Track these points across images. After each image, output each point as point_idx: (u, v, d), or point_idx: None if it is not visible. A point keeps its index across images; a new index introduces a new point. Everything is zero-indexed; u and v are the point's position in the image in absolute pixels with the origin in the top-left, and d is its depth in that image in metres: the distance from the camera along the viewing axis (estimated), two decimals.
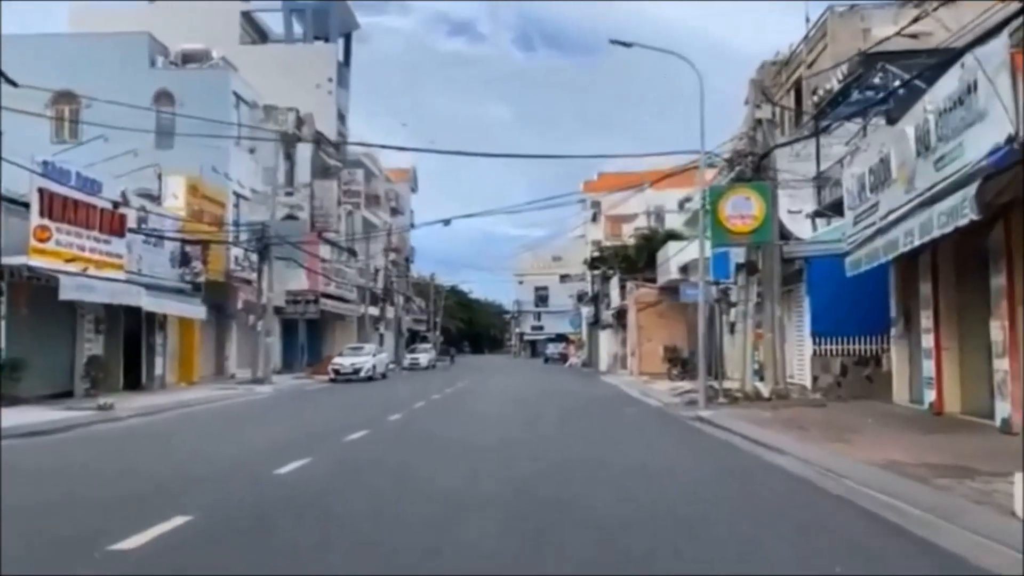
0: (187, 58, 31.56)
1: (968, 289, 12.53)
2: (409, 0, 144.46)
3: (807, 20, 24.73)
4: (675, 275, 29.49)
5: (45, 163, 17.38)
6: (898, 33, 15.40)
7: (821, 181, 20.10)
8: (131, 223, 21.00)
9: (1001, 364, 10.55)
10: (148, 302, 20.69)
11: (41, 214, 17.20)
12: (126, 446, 11.36)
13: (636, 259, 40.90)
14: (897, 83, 13.92)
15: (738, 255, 19.39)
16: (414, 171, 64.75)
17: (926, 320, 13.34)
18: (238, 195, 30.20)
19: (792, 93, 26.12)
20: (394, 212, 55.21)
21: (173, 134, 28.34)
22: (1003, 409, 10.55)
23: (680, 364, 28.02)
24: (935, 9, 14.97)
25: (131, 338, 22.86)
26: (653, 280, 35.24)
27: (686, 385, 21.70)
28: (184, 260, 24.31)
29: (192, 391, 22.44)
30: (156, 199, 24.06)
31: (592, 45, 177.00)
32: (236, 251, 28.39)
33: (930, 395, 13.23)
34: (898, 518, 6.06)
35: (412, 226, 53.90)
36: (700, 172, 17.03)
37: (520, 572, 4.74)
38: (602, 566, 4.87)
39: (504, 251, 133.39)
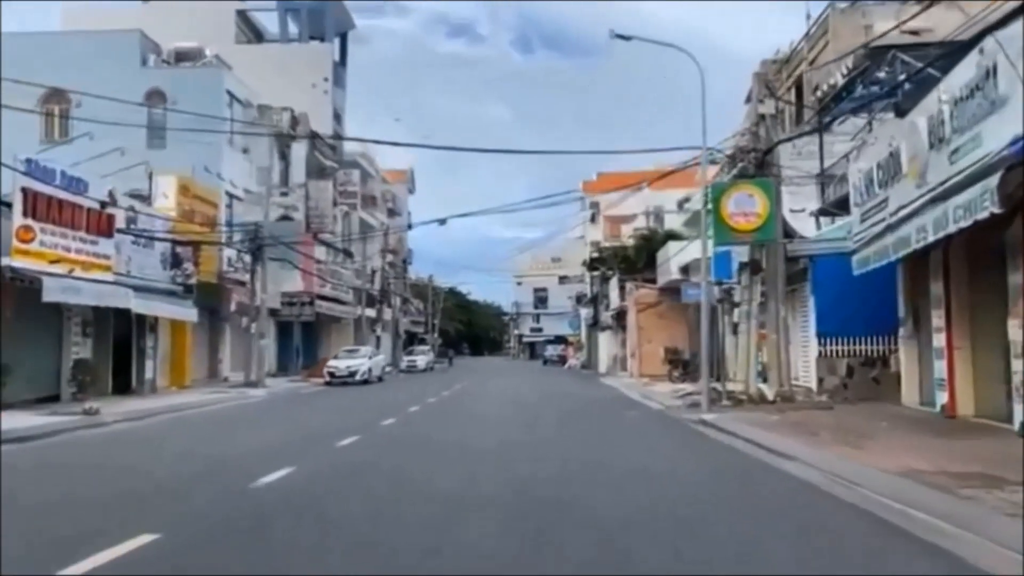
0: (180, 56, 31.11)
1: (982, 287, 12.08)
2: (408, 0, 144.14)
3: (808, 17, 24.37)
4: (675, 275, 29.05)
5: (28, 161, 16.90)
6: (899, 26, 15.08)
7: (825, 178, 19.69)
8: (120, 223, 20.50)
9: (1019, 365, 10.10)
10: (137, 304, 20.20)
11: (24, 214, 16.73)
12: (104, 453, 10.87)
13: (635, 260, 40.48)
14: (906, 75, 13.44)
15: (740, 254, 18.96)
16: (411, 172, 64.38)
17: (938, 319, 12.89)
18: (231, 195, 29.73)
19: (793, 91, 25.75)
20: (391, 213, 54.73)
21: (164, 131, 27.84)
22: (1021, 412, 10.10)
23: (681, 366, 27.58)
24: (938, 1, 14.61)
25: (121, 341, 22.39)
26: (653, 281, 34.81)
27: (687, 387, 21.27)
28: (175, 261, 23.82)
29: (183, 395, 21.95)
30: (146, 199, 23.58)
31: (591, 46, 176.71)
32: (229, 252, 27.93)
33: (942, 397, 12.77)
34: (923, 531, 5.60)
35: (409, 227, 53.46)
36: (702, 168, 16.58)
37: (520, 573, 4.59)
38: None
39: (503, 253, 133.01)
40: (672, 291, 30.57)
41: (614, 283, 42.41)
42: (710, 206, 16.08)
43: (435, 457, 9.87)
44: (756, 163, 16.57)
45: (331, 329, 42.09)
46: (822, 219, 20.82)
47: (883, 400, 15.81)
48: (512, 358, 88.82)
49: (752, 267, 17.25)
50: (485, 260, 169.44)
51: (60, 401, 18.30)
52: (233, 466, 8.90)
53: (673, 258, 29.62)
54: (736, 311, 18.15)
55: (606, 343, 47.43)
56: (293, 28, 46.39)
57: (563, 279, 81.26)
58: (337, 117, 45.13)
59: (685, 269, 27.30)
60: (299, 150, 36.94)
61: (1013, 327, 10.17)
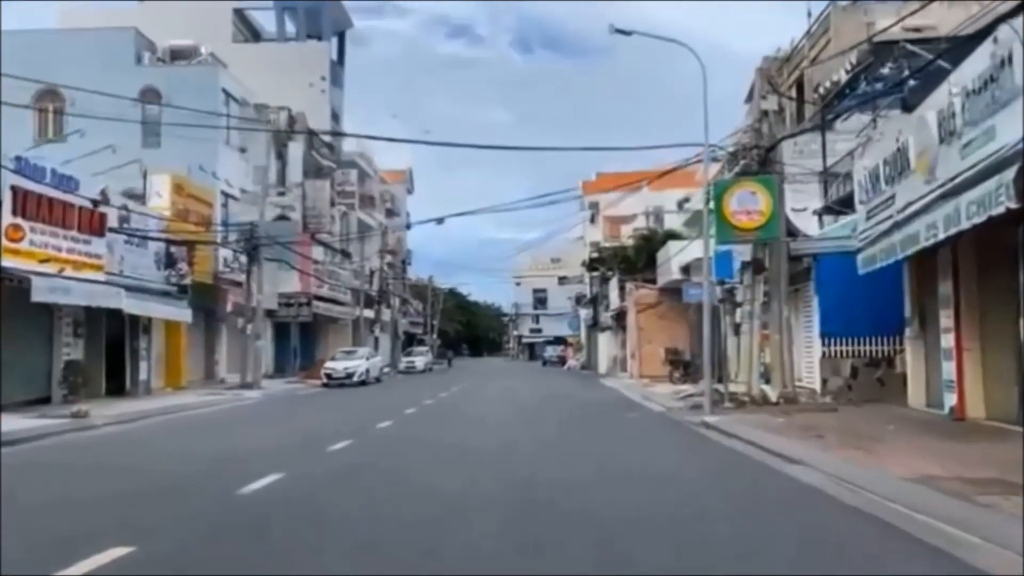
0: (175, 55, 30.80)
1: (992, 286, 11.78)
2: (407, 1, 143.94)
3: (809, 15, 24.08)
4: (676, 275, 28.74)
5: (18, 159, 16.60)
6: (900, 22, 14.81)
7: (828, 176, 19.39)
8: (112, 223, 20.21)
9: None
10: (129, 304, 19.87)
11: (14, 212, 16.42)
12: (87, 458, 10.52)
13: (635, 260, 40.18)
14: (912, 70, 13.13)
15: (742, 253, 18.66)
16: (410, 172, 64.07)
17: (946, 319, 12.58)
18: (227, 195, 29.42)
19: (794, 90, 25.46)
20: (390, 214, 54.41)
21: (159, 130, 27.55)
22: None
23: (682, 367, 27.25)
24: None
25: (114, 342, 22.08)
26: (653, 281, 34.51)
27: (689, 388, 20.95)
28: (169, 261, 23.51)
29: (177, 396, 21.64)
30: (140, 198, 23.28)
31: (591, 47, 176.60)
32: (225, 253, 27.61)
33: (951, 399, 12.46)
34: (943, 542, 5.29)
35: (408, 226, 53.15)
36: (704, 165, 16.27)
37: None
38: None
39: (502, 255, 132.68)
40: (673, 291, 30.27)
41: (614, 283, 42.10)
42: (712, 204, 15.76)
43: (431, 462, 9.57)
44: (759, 160, 16.25)
45: (329, 330, 41.77)
46: (825, 218, 20.57)
47: (888, 402, 15.52)
48: (511, 359, 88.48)
49: (755, 266, 16.94)
50: (485, 261, 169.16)
51: (51, 403, 17.99)
52: (218, 472, 8.59)
53: (674, 258, 29.31)
54: (738, 311, 17.84)
55: (606, 344, 47.12)
56: (291, 27, 46.09)
57: (562, 280, 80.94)
58: (335, 117, 44.81)
59: (686, 269, 26.99)
60: (296, 149, 36.65)
61: None
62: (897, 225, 11.99)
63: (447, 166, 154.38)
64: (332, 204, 39.66)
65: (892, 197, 12.34)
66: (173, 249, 23.54)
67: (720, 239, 16.13)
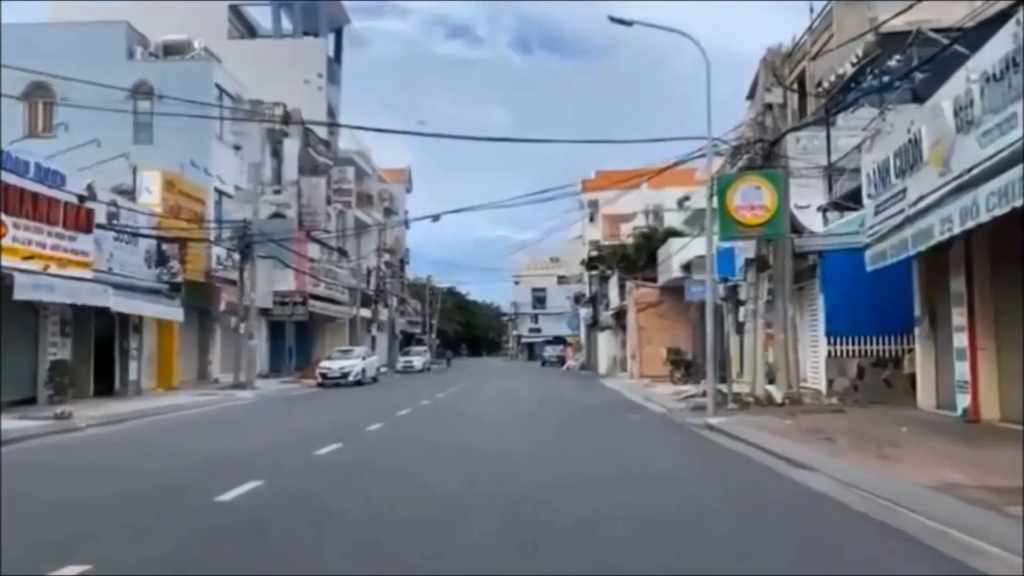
0: (168, 49, 30.31)
1: (1007, 284, 11.32)
2: (406, 1, 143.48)
3: (811, 11, 23.65)
4: (677, 273, 28.28)
5: (0, 152, 16.13)
6: (902, 12, 14.39)
7: (833, 171, 18.94)
8: (101, 219, 19.74)
9: None
10: (117, 302, 19.40)
11: None
12: (60, 462, 10.04)
13: (635, 258, 39.70)
14: (923, 58, 12.66)
15: (744, 250, 18.20)
16: (409, 171, 63.60)
17: (959, 318, 12.12)
18: (220, 192, 28.92)
19: (795, 86, 25.01)
20: (388, 213, 53.95)
21: (151, 125, 27.09)
22: None
23: (683, 367, 26.79)
24: None
25: (103, 341, 21.62)
26: (653, 279, 34.05)
27: (690, 389, 20.49)
28: (160, 259, 23.05)
29: (168, 397, 21.18)
30: (130, 194, 22.81)
31: (590, 47, 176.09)
32: (219, 250, 27.12)
33: (964, 400, 12.01)
34: (977, 559, 4.83)
35: (407, 225, 52.70)
36: (707, 159, 15.81)
37: None
38: None
39: (501, 254, 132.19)
40: (673, 290, 29.83)
41: (613, 282, 41.65)
42: (715, 199, 15.29)
43: (422, 468, 9.10)
44: (763, 154, 15.78)
45: (325, 329, 41.30)
46: (829, 215, 20.12)
47: (895, 403, 15.06)
48: (510, 359, 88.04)
49: (759, 264, 16.47)
50: (483, 261, 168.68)
51: (37, 404, 17.54)
52: (195, 479, 8.12)
53: (675, 256, 28.85)
54: (742, 310, 17.37)
55: (605, 344, 46.66)
56: (287, 24, 45.59)
57: (562, 279, 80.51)
58: (332, 114, 44.24)
59: (687, 267, 26.52)
60: (292, 146, 36.19)
61: None
62: (909, 219, 11.54)
63: (447, 168, 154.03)
64: (328, 202, 39.21)
65: (903, 191, 11.90)
66: (164, 247, 23.09)
67: (723, 235, 15.66)
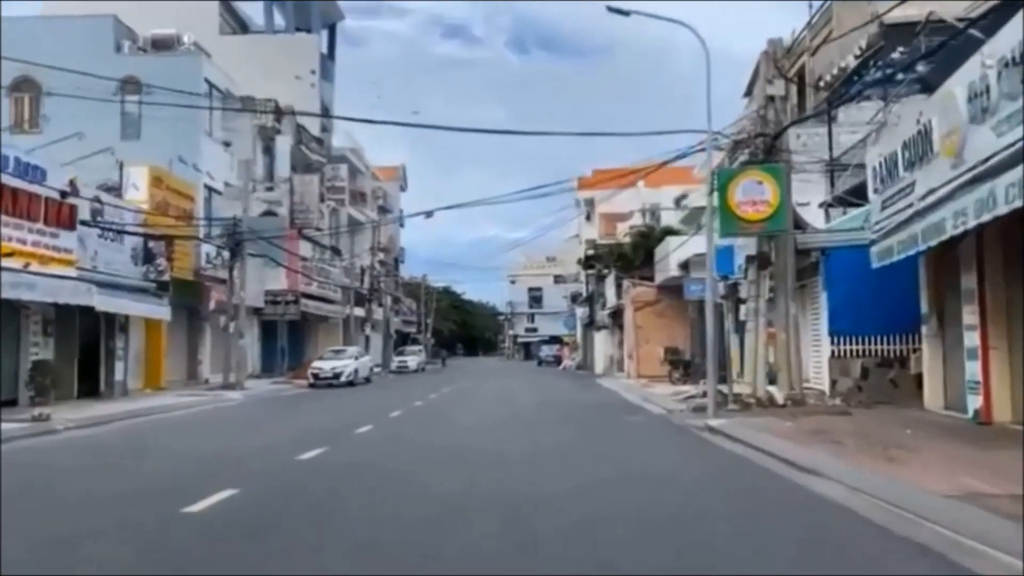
0: (156, 44, 29.75)
1: (1020, 280, 10.90)
2: (403, 1, 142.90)
3: (810, 6, 23.26)
4: (675, 272, 27.83)
5: None
6: (902, 3, 13.97)
7: (835, 166, 18.52)
8: (85, 215, 19.22)
9: None
10: (101, 301, 18.88)
11: None
12: (29, 467, 9.52)
13: (632, 257, 39.23)
14: (932, 46, 12.20)
15: (744, 248, 17.76)
16: (403, 169, 63.06)
17: (970, 316, 11.67)
18: (210, 188, 28.40)
19: (795, 81, 24.58)
20: (382, 211, 53.41)
21: (139, 121, 26.58)
22: None
23: (682, 367, 26.35)
24: None
25: (89, 341, 21.12)
26: (650, 278, 33.60)
27: (689, 389, 20.04)
28: (147, 257, 22.53)
29: (155, 398, 20.68)
30: (116, 191, 22.29)
31: (587, 47, 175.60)
32: (208, 248, 26.61)
33: (975, 401, 11.57)
34: None
35: (401, 224, 52.16)
36: (707, 153, 15.36)
37: None
38: None
39: (498, 254, 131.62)
40: (671, 289, 29.40)
41: (610, 281, 41.20)
42: (716, 194, 14.83)
43: (414, 472, 8.67)
44: (765, 148, 15.33)
45: (318, 329, 40.80)
46: (832, 212, 19.70)
47: (901, 404, 14.63)
48: (507, 358, 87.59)
49: (760, 261, 16.00)
50: (480, 260, 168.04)
51: (18, 406, 17.02)
52: (165, 486, 7.63)
53: (672, 254, 28.39)
54: (742, 308, 16.91)
55: (602, 343, 46.21)
56: (279, 20, 45.08)
57: (558, 279, 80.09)
58: (325, 111, 43.76)
59: (685, 265, 26.08)
60: (284, 143, 35.68)
61: None
62: (918, 214, 11.10)
63: (443, 167, 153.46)
64: (321, 200, 38.70)
65: (911, 184, 11.45)
66: (151, 244, 22.57)
67: (724, 231, 15.21)
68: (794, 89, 24.00)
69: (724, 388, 15.86)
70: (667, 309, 31.00)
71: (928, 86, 12.65)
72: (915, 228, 11.05)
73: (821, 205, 19.96)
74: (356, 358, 31.90)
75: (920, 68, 15.13)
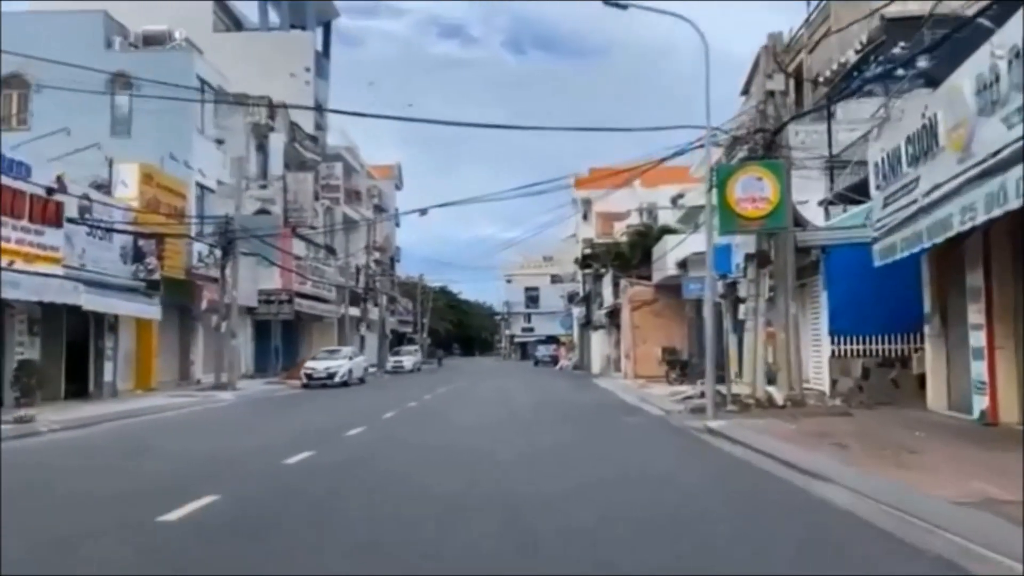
0: (148, 40, 29.38)
1: None
2: (400, 1, 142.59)
3: (808, 5, 22.98)
4: (672, 271, 27.53)
5: None
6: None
7: (835, 162, 18.26)
8: (72, 212, 18.88)
9: None
10: (88, 300, 18.54)
11: None
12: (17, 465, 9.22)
13: (629, 256, 38.91)
14: (938, 37, 11.91)
15: (742, 246, 17.47)
16: (399, 168, 62.72)
17: (976, 315, 11.40)
18: (202, 186, 28.03)
19: (792, 80, 24.32)
20: (378, 210, 53.03)
21: (130, 118, 26.22)
22: None
23: (679, 367, 26.07)
24: None
25: (77, 341, 20.78)
26: (648, 278, 33.31)
27: (687, 390, 19.74)
28: (137, 255, 22.17)
29: (144, 399, 20.35)
30: (105, 188, 21.93)
31: (586, 48, 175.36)
32: (200, 247, 26.25)
33: (981, 402, 11.29)
34: None
35: (397, 223, 51.77)
36: (706, 149, 15.07)
37: None
38: None
39: (494, 253, 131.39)
40: (668, 288, 29.12)
41: (607, 280, 40.90)
42: (715, 190, 14.53)
43: (404, 478, 8.36)
44: (764, 144, 15.04)
45: (313, 329, 40.45)
46: (831, 210, 19.43)
47: (903, 404, 14.36)
48: (503, 358, 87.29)
49: (760, 259, 15.71)
50: (477, 260, 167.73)
51: (3, 406, 16.66)
52: (143, 492, 7.30)
53: (670, 253, 28.10)
54: (741, 307, 16.62)
55: (599, 343, 45.93)
56: (274, 18, 44.69)
57: (555, 278, 79.81)
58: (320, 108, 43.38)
59: (683, 264, 25.78)
60: (277, 141, 35.33)
61: None
62: (922, 210, 10.82)
63: (439, 167, 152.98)
64: (316, 198, 38.34)
65: (916, 180, 11.17)
66: (141, 242, 22.22)
67: (723, 229, 14.91)
68: (792, 86, 23.80)
69: (722, 388, 15.57)
70: (664, 309, 30.72)
71: (932, 80, 12.38)
72: (920, 225, 10.78)
73: (820, 203, 19.68)
74: (350, 358, 31.56)
75: (923, 63, 14.90)
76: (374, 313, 49.21)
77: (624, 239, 42.97)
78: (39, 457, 10.54)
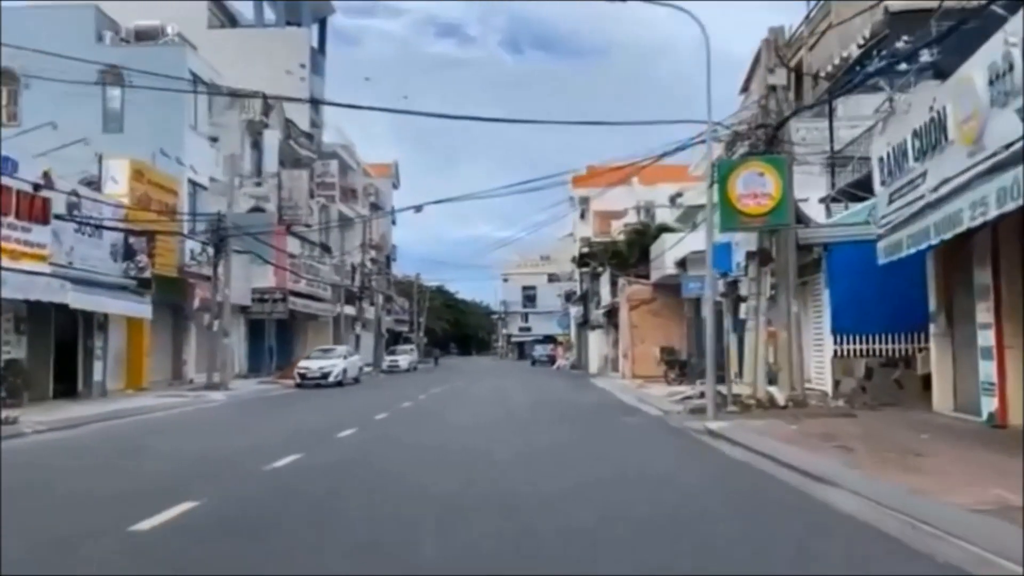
0: (140, 35, 29.01)
1: None
2: (398, 1, 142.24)
3: (807, 4, 22.70)
4: (671, 270, 27.22)
5: None
6: None
7: (837, 160, 17.99)
8: (60, 209, 18.51)
9: None
10: (75, 299, 18.17)
11: None
12: None
13: (627, 255, 38.61)
14: (946, 27, 11.60)
15: (741, 244, 17.16)
16: (396, 166, 62.36)
17: (985, 314, 11.09)
18: (194, 183, 27.65)
19: (792, 77, 24.03)
20: (374, 208, 52.69)
21: (122, 114, 25.86)
22: None
23: (678, 367, 25.77)
24: None
25: (66, 340, 20.41)
26: (646, 276, 33.02)
27: (686, 390, 19.45)
28: (128, 253, 21.80)
29: (134, 399, 19.98)
30: (95, 184, 21.57)
31: (584, 48, 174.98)
32: (193, 245, 25.89)
33: (990, 404, 10.99)
34: None
35: (393, 221, 51.41)
36: (707, 144, 14.74)
37: None
38: None
39: (491, 252, 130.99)
40: (667, 287, 28.82)
41: (605, 279, 40.59)
42: (716, 186, 14.22)
43: (401, 476, 8.10)
44: (766, 139, 14.73)
45: (308, 328, 40.08)
46: (832, 208, 19.16)
47: (907, 405, 14.06)
48: (500, 358, 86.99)
49: (761, 257, 15.39)
50: (474, 259, 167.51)
51: None
52: (121, 497, 6.96)
53: (668, 251, 27.79)
54: (742, 306, 16.31)
55: (596, 342, 45.63)
56: (269, 15, 44.32)
57: (552, 277, 79.51)
58: (315, 106, 43.01)
59: (682, 263, 25.47)
60: (272, 138, 34.96)
61: None
62: (930, 206, 10.52)
63: (436, 166, 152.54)
64: (311, 196, 37.99)
65: (923, 175, 10.87)
66: (132, 239, 21.84)
67: (724, 226, 14.59)
68: (792, 83, 23.50)
69: (723, 389, 15.25)
70: (663, 308, 30.43)
71: (940, 72, 12.08)
72: (927, 221, 10.47)
73: (822, 200, 19.41)
74: (344, 357, 31.21)
75: (928, 56, 14.61)
76: (370, 312, 48.87)
77: (622, 238, 42.68)
78: (17, 458, 10.17)
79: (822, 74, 21.18)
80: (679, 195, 38.68)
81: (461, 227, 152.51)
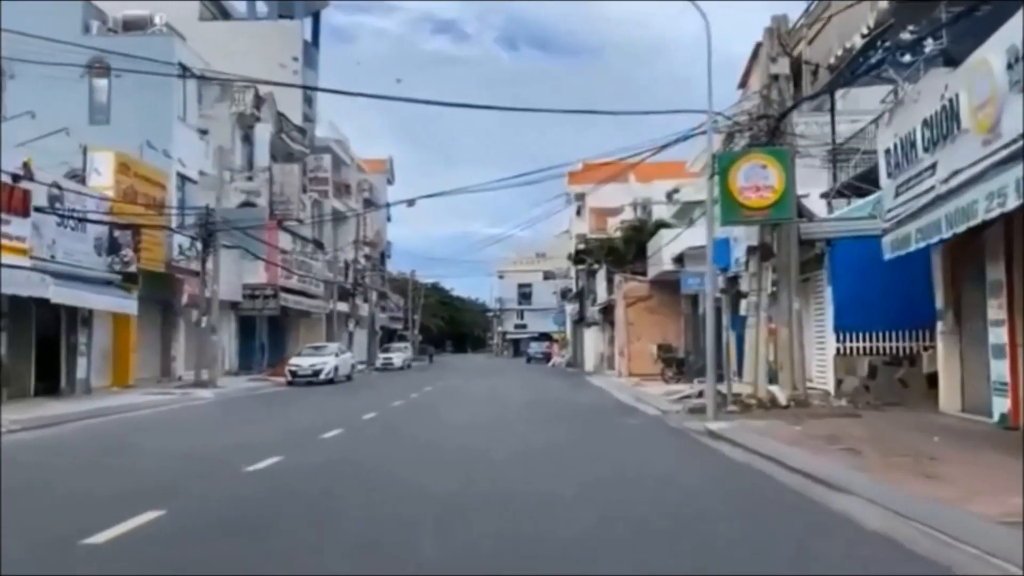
0: (127, 25, 28.45)
1: None
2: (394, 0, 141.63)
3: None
4: (668, 266, 26.81)
5: None
6: None
7: (842, 151, 17.55)
8: (41, 201, 18.00)
9: None
10: (57, 293, 17.66)
11: None
12: None
13: (624, 251, 38.21)
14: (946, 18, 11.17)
15: (740, 239, 16.77)
16: (390, 162, 61.82)
17: (997, 311, 10.67)
18: (183, 177, 27.12)
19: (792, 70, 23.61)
20: (368, 204, 52.17)
21: (109, 105, 25.35)
22: None
23: (675, 365, 25.35)
24: None
25: (48, 336, 19.90)
26: (643, 273, 32.61)
27: (684, 389, 19.03)
28: (113, 247, 21.28)
29: (119, 397, 19.48)
30: (79, 177, 21.04)
31: (580, 47, 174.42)
32: (181, 239, 25.36)
33: (1002, 404, 10.56)
34: None
35: (388, 217, 50.91)
36: (708, 135, 14.30)
37: None
38: None
39: (487, 251, 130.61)
40: (664, 284, 28.43)
41: (601, 276, 40.18)
42: (716, 178, 13.78)
43: (395, 477, 7.74)
44: (768, 130, 14.30)
45: (300, 324, 39.57)
46: (834, 204, 18.75)
47: (912, 405, 13.67)
48: (495, 355, 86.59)
49: (762, 252, 14.98)
50: (469, 255, 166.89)
51: None
52: (82, 505, 6.50)
53: (665, 247, 27.38)
54: (743, 303, 15.89)
55: (592, 340, 45.24)
56: (262, 7, 43.75)
57: (548, 275, 79.13)
58: (308, 100, 42.51)
59: (679, 259, 25.06)
60: (263, 131, 34.42)
61: None
62: (940, 198, 10.10)
63: (435, 165, 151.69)
64: (303, 191, 37.46)
65: (932, 166, 10.44)
66: (117, 233, 21.32)
67: (725, 219, 14.15)
68: (792, 77, 23.08)
69: (722, 388, 14.83)
70: (660, 305, 30.03)
71: (951, 60, 11.64)
72: (938, 213, 10.04)
73: (823, 195, 18.98)
74: (336, 355, 30.73)
75: (933, 44, 14.18)
76: (363, 309, 48.37)
77: (618, 234, 42.28)
78: None
79: (823, 67, 20.76)
80: (676, 191, 38.25)
81: (457, 224, 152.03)
